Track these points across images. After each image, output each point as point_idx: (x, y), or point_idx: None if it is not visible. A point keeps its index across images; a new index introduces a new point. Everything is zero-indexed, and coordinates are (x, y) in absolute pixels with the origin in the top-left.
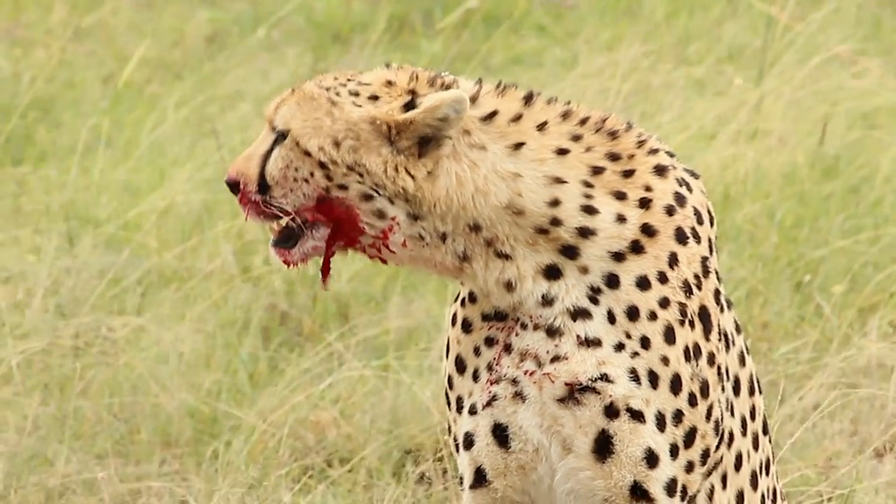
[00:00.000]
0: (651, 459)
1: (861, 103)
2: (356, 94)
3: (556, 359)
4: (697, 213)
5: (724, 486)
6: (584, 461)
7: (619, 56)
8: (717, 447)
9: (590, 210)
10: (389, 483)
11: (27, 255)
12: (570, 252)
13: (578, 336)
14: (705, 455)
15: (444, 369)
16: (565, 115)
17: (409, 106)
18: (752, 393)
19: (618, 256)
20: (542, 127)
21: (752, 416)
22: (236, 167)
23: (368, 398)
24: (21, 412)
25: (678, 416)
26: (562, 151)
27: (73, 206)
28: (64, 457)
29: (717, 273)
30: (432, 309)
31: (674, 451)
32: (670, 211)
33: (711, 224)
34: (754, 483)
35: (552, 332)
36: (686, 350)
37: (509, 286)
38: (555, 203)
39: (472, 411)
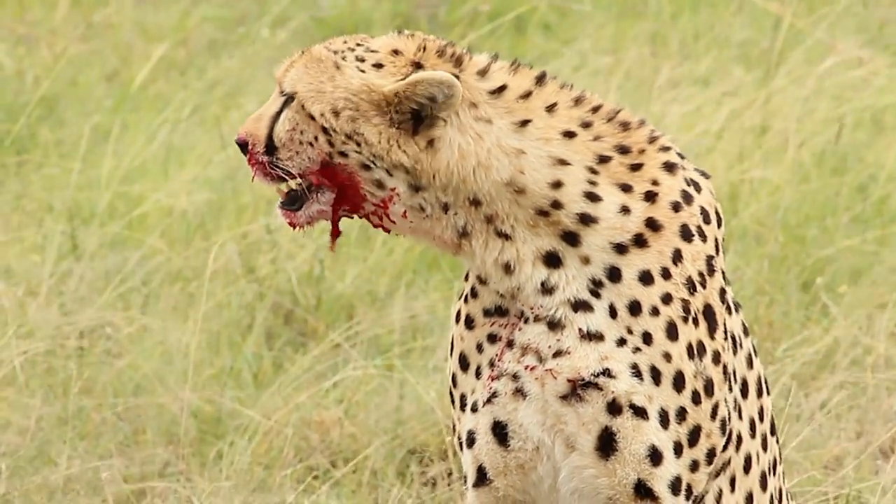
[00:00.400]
0: (655, 457)
1: (868, 102)
2: (362, 60)
3: (557, 353)
4: (705, 213)
5: (733, 488)
6: (588, 459)
7: (624, 55)
8: (724, 448)
9: (592, 197)
10: (394, 484)
11: (31, 255)
12: (571, 238)
13: (580, 329)
14: (711, 454)
15: (448, 368)
16: (577, 101)
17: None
18: (760, 394)
19: (620, 248)
20: (551, 108)
21: (761, 418)
22: (246, 127)
23: (372, 398)
24: (25, 412)
25: (682, 413)
26: (569, 134)
27: (77, 205)
28: (67, 456)
29: (723, 274)
30: (437, 308)
31: (678, 450)
32: (676, 207)
33: (719, 225)
34: (763, 484)
35: (553, 324)
36: (689, 347)
37: (508, 268)
38: (557, 185)
39: (474, 409)
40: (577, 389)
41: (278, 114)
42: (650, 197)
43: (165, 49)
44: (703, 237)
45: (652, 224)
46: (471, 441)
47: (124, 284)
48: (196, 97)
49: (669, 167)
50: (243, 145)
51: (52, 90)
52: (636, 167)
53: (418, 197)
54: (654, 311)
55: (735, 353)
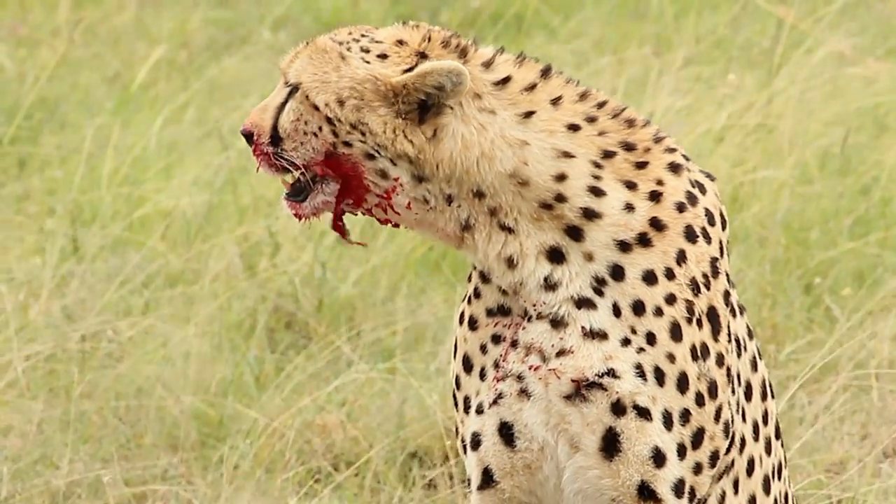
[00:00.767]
0: (658, 458)
1: (870, 104)
2: (366, 51)
3: (561, 353)
4: (709, 215)
5: (736, 491)
6: (591, 460)
7: (626, 56)
8: (728, 451)
9: (596, 192)
10: (396, 487)
11: (32, 257)
12: (574, 233)
13: (584, 327)
14: (714, 457)
15: (452, 370)
16: (583, 96)
17: (412, 69)
18: (764, 398)
19: (624, 246)
20: (556, 101)
21: (765, 421)
22: (251, 118)
23: (374, 401)
24: (26, 415)
25: (685, 415)
26: (573, 127)
27: (78, 207)
28: (69, 460)
29: (727, 276)
30: (439, 311)
31: (681, 451)
32: (681, 208)
33: (723, 227)
34: (767, 488)
35: (556, 322)
36: (693, 349)
37: (511, 262)
38: (561, 178)
39: (479, 410)
40: (582, 390)
41: (283, 104)
42: (655, 197)
43: (166, 51)
44: (708, 239)
45: (656, 224)
46: (475, 443)
47: (126, 287)
48: (197, 99)
49: (675, 168)
50: (248, 136)
51: (52, 92)
52: (641, 165)
53: (422, 188)
54: (658, 312)
55: (739, 355)
